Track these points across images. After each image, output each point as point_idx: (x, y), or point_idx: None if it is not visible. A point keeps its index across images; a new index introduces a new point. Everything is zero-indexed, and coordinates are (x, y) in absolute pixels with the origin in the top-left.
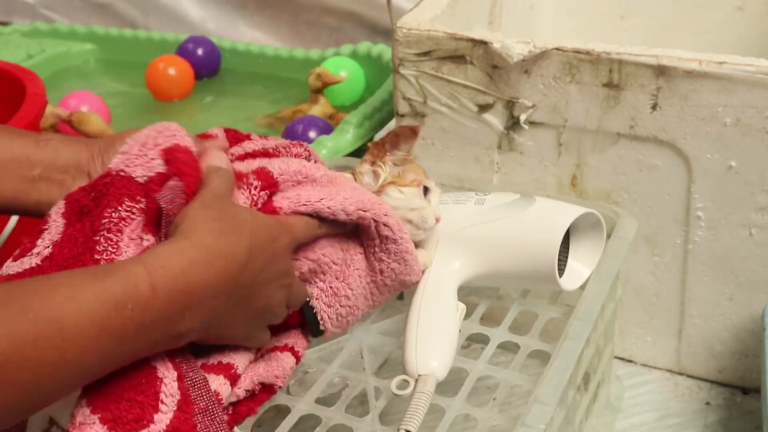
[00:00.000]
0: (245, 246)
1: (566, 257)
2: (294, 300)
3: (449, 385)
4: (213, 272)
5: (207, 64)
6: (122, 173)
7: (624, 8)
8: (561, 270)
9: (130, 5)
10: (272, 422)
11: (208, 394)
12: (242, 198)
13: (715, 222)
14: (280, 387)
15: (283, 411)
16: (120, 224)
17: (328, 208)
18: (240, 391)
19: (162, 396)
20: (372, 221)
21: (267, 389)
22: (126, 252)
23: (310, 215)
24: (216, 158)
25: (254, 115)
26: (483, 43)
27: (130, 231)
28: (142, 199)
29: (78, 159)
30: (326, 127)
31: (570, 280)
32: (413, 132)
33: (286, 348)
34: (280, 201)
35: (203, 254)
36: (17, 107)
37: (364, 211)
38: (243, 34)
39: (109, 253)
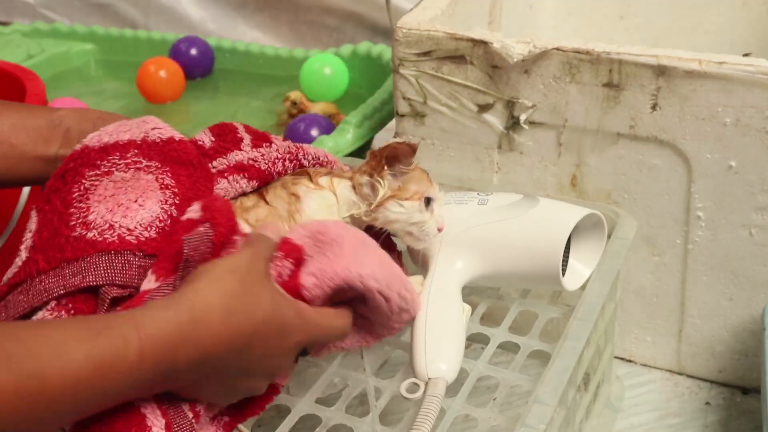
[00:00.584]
0: (248, 333)
1: (567, 257)
2: (279, 378)
3: (450, 385)
4: (201, 353)
5: (200, 63)
6: (85, 149)
7: (624, 8)
8: (563, 270)
9: (130, 5)
10: (272, 422)
11: None
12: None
13: (715, 222)
14: (282, 386)
15: (283, 411)
16: (86, 193)
17: (360, 278)
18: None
19: None
20: (396, 297)
21: (271, 389)
22: (96, 211)
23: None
24: (272, 230)
25: (251, 115)
26: (483, 43)
27: (98, 195)
28: (103, 163)
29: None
30: (328, 125)
31: (571, 280)
32: (412, 150)
33: None
34: (305, 278)
35: (199, 331)
36: None
37: (389, 289)
38: (243, 34)
39: (82, 217)
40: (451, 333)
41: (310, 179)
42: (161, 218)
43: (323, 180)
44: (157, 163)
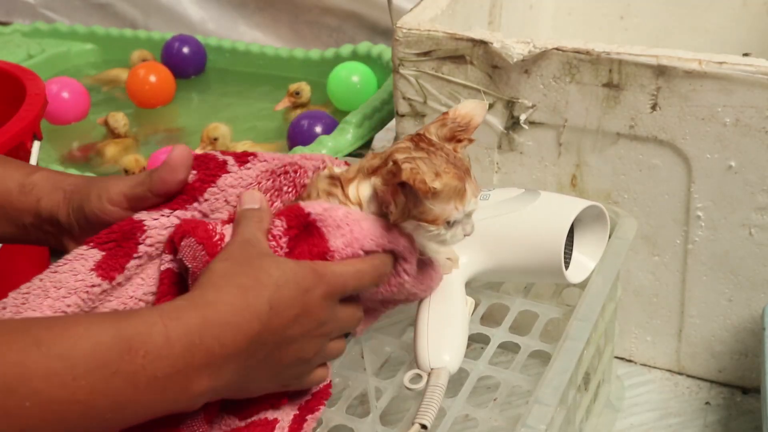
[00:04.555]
0: (265, 302)
1: (571, 250)
2: (329, 352)
3: (449, 385)
4: (230, 331)
5: (193, 62)
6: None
7: (624, 8)
8: (566, 263)
9: (130, 5)
10: None
11: None
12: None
13: (715, 222)
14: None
15: None
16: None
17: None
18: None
19: None
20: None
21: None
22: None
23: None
24: (248, 200)
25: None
26: (483, 43)
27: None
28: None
29: (57, 216)
30: (332, 122)
31: (575, 273)
32: (431, 192)
33: None
34: (334, 241)
35: (218, 312)
36: (17, 107)
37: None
38: (243, 34)
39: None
40: (455, 325)
41: (342, 189)
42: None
43: (352, 191)
44: None
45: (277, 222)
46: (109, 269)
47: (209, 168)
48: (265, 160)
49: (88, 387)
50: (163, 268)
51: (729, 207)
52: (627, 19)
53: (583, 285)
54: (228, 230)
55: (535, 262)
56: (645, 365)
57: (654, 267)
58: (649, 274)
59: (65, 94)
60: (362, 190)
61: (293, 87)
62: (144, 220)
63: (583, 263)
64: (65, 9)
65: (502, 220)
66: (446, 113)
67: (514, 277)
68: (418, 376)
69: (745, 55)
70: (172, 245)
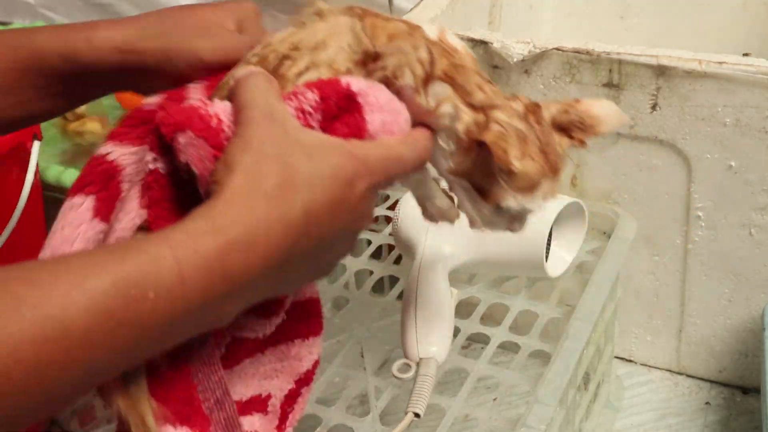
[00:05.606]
0: (299, 210)
1: (549, 244)
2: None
3: (449, 385)
4: (260, 252)
5: None
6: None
7: (624, 8)
8: (545, 257)
9: (130, 5)
10: None
11: None
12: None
13: (715, 222)
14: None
15: None
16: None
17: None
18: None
19: None
20: None
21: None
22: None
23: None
24: (242, 70)
25: None
26: (483, 43)
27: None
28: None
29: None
30: None
31: (554, 267)
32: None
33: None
34: (371, 116)
35: (242, 233)
36: None
37: None
38: None
39: None
40: (441, 315)
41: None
42: None
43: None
44: None
45: (309, 95)
46: (107, 212)
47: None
48: None
49: (89, 344)
50: (150, 167)
51: (729, 207)
52: (627, 19)
53: (583, 285)
54: (221, 106)
55: (518, 255)
56: (645, 365)
57: (654, 267)
58: (649, 274)
59: None
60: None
61: None
62: (115, 160)
63: (562, 257)
64: (65, 9)
65: None
66: (577, 101)
67: (494, 270)
68: (407, 366)
69: (745, 55)
70: (157, 140)
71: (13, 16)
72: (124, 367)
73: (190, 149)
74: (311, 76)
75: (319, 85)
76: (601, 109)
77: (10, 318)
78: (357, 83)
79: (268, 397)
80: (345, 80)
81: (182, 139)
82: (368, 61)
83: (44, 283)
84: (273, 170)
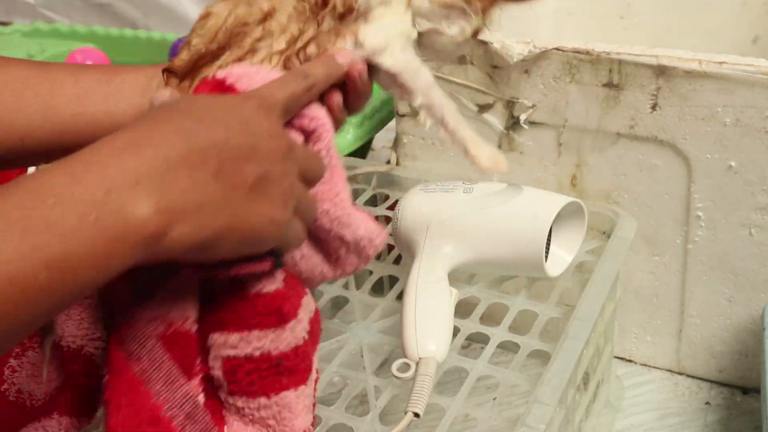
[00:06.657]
0: (189, 118)
1: (549, 244)
2: (305, 206)
3: (449, 385)
4: (152, 147)
5: None
6: None
7: (624, 8)
8: (545, 257)
9: (130, 5)
10: None
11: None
12: None
13: (715, 222)
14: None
15: None
16: None
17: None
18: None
19: None
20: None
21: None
22: None
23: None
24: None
25: None
26: (483, 43)
27: None
28: None
29: None
30: None
31: (553, 267)
32: None
33: None
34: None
35: (132, 135)
36: None
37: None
38: None
39: None
40: (440, 315)
41: None
42: None
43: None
44: None
45: None
46: None
47: None
48: None
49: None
50: None
51: (729, 207)
52: (627, 19)
53: (582, 285)
54: None
55: (517, 255)
56: (645, 365)
57: (654, 267)
58: (649, 274)
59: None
60: None
61: None
62: None
63: (561, 257)
64: (65, 9)
65: (486, 213)
66: None
67: (494, 269)
68: (406, 365)
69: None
70: None
71: (13, 16)
72: (61, 304)
73: None
74: (265, 44)
75: (195, 88)
76: None
77: None
78: (227, 71)
79: None
80: (221, 73)
81: None
82: (317, 11)
83: None
84: (155, 113)
